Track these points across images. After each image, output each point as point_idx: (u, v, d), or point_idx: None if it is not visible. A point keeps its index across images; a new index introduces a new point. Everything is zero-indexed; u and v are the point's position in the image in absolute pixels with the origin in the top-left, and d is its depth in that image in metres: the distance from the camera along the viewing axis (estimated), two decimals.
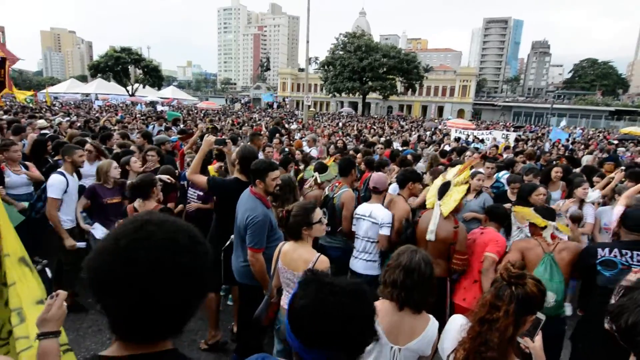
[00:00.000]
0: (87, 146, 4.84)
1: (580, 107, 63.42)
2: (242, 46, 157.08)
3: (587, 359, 2.59)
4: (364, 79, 50.44)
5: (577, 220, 3.76)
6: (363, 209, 3.60)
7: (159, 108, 26.56)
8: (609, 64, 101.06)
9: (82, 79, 73.05)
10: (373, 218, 3.47)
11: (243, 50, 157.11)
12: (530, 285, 1.57)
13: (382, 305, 1.86)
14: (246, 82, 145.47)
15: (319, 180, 4.33)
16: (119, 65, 46.10)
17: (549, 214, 2.98)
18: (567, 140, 16.17)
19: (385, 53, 49.82)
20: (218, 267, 3.26)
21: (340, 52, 52.65)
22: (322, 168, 4.42)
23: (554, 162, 6.86)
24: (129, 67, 48.25)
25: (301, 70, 75.20)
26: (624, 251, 2.52)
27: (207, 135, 3.77)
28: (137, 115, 14.55)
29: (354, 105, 58.36)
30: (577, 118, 54.93)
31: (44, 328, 1.30)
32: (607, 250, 2.58)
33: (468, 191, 3.75)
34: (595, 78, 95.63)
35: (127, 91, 45.89)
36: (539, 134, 22.79)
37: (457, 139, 12.96)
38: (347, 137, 13.32)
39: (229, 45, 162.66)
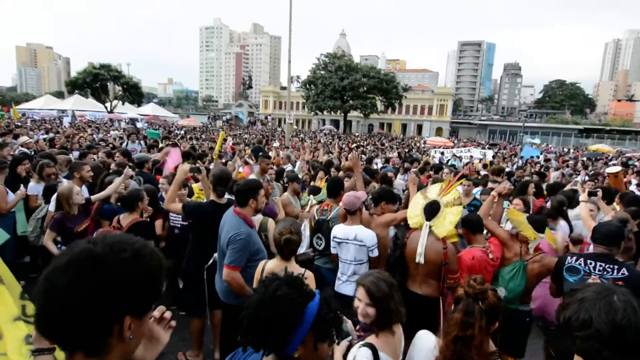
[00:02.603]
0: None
1: (551, 125, 66.45)
2: (224, 64, 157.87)
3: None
4: (345, 97, 51.46)
5: (577, 242, 3.73)
6: (344, 232, 3.45)
7: (139, 125, 26.20)
8: (576, 85, 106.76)
9: (59, 95, 71.42)
10: (359, 241, 3.37)
11: (225, 68, 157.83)
12: (491, 297, 1.68)
13: (382, 339, 1.84)
14: (228, 99, 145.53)
15: (313, 202, 4.35)
16: (97, 81, 45.35)
17: (540, 224, 3.18)
18: (538, 157, 16.88)
19: (365, 73, 51.17)
20: (202, 289, 3.24)
21: (322, 72, 53.71)
22: (315, 190, 4.52)
23: (527, 179, 7.15)
24: (108, 83, 47.56)
25: (283, 88, 75.97)
26: (589, 261, 2.74)
27: (181, 164, 3.83)
28: (113, 137, 14.29)
29: (335, 123, 59.19)
30: (549, 136, 57.37)
31: (39, 344, 1.30)
32: (574, 258, 2.82)
33: None
34: (564, 98, 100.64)
35: (106, 108, 45.11)
36: (513, 152, 23.68)
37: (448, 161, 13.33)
38: (330, 154, 13.51)
39: (211, 63, 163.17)
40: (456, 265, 3.14)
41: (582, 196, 4.35)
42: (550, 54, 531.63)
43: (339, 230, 3.50)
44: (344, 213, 3.70)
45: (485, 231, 3.44)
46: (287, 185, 5.52)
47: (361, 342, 1.77)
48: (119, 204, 3.67)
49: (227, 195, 3.53)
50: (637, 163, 19.05)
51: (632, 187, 8.58)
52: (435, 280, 3.14)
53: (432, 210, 3.20)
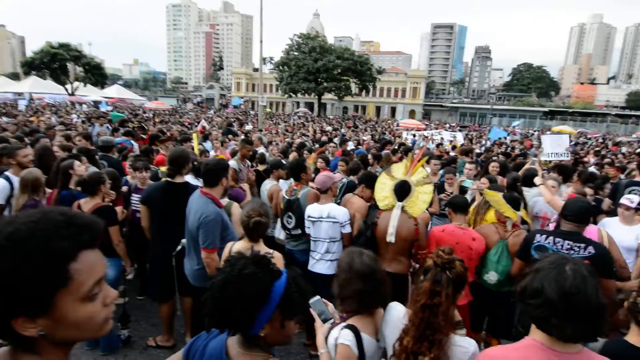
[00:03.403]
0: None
1: (518, 107, 68.82)
2: (194, 44, 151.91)
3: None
4: (319, 79, 50.89)
5: None
6: (317, 210, 3.51)
7: (102, 108, 24.92)
8: (542, 69, 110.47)
9: (14, 76, 66.69)
10: (332, 218, 3.43)
11: (194, 48, 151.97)
12: (458, 267, 1.74)
13: (364, 319, 1.85)
14: (198, 81, 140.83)
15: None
16: (56, 62, 42.58)
17: (516, 202, 3.27)
18: (506, 138, 17.48)
19: (340, 55, 50.62)
20: (170, 274, 3.19)
21: (295, 53, 52.73)
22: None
23: (493, 158, 7.39)
24: (68, 64, 44.78)
25: (256, 70, 74.17)
26: (557, 239, 2.72)
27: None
28: (75, 121, 13.49)
29: (310, 105, 58.66)
30: (516, 118, 59.39)
31: None
32: (544, 237, 2.79)
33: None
34: (531, 81, 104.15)
35: (66, 90, 42.60)
36: (482, 134, 24.38)
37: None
38: (304, 137, 13.44)
39: (179, 43, 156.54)
40: (426, 241, 3.23)
41: (537, 179, 4.50)
42: (520, 37, 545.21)
43: (314, 210, 3.54)
44: (314, 194, 3.76)
45: (467, 214, 3.51)
46: (257, 168, 5.46)
47: (343, 324, 1.79)
48: (78, 188, 3.49)
49: (191, 179, 3.47)
50: (594, 143, 20.09)
51: (591, 168, 9.05)
52: (405, 257, 3.22)
53: (403, 190, 3.24)
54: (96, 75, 46.34)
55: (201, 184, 3.09)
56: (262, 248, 2.51)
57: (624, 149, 17.16)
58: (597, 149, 16.04)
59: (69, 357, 0.86)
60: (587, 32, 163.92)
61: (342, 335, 1.74)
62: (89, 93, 40.96)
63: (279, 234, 4.21)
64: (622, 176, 6.99)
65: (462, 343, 1.71)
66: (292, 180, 4.12)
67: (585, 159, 10.13)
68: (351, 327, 1.76)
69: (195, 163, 4.21)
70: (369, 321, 1.85)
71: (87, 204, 3.30)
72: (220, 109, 46.42)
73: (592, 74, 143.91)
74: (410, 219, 3.17)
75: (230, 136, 8.22)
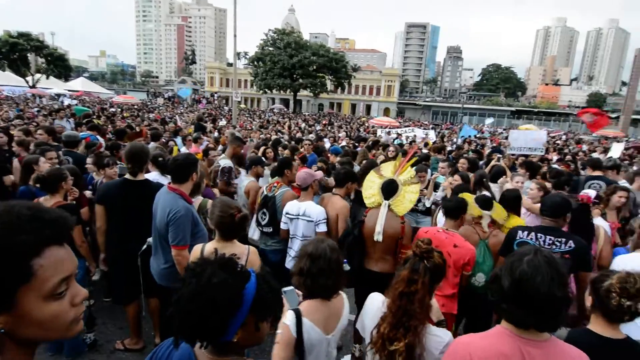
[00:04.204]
0: None
1: (488, 107, 71.27)
2: (165, 37, 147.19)
3: None
4: (295, 76, 50.58)
5: None
6: (295, 208, 3.49)
7: (66, 102, 23.70)
8: (510, 69, 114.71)
9: None
10: (307, 216, 3.41)
11: (165, 41, 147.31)
12: (436, 257, 1.79)
13: (311, 305, 1.88)
14: (170, 75, 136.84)
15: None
16: (15, 52, 40.08)
17: (486, 203, 3.30)
18: (476, 136, 18.03)
19: (315, 51, 50.50)
20: (136, 275, 3.08)
21: (270, 48, 52.17)
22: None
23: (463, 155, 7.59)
24: (29, 55, 42.29)
25: (230, 65, 72.81)
26: (539, 235, 2.79)
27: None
28: (42, 114, 12.68)
29: (285, 102, 58.29)
30: (485, 117, 61.48)
31: None
32: (525, 233, 2.85)
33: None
34: (500, 81, 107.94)
35: (27, 82, 40.27)
36: (453, 132, 25.04)
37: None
38: (280, 134, 13.32)
39: (149, 36, 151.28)
40: (410, 240, 3.20)
41: (501, 180, 4.64)
42: (490, 38, 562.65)
43: (292, 207, 3.52)
44: (291, 195, 3.74)
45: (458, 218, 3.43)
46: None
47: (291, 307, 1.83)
48: (37, 185, 3.29)
49: (157, 176, 3.35)
50: (559, 142, 21.10)
51: (554, 165, 9.46)
52: (391, 256, 3.20)
53: (390, 189, 3.25)
54: (59, 67, 44.05)
55: (166, 181, 3.00)
56: (238, 247, 2.43)
57: (584, 147, 18.09)
58: (560, 147, 16.82)
59: (33, 359, 0.82)
60: (552, 35, 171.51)
61: (286, 316, 1.78)
62: (52, 85, 38.88)
63: (253, 233, 4.15)
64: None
65: (438, 332, 1.76)
66: (269, 178, 4.06)
67: (549, 156, 10.59)
68: (295, 310, 1.81)
69: (160, 159, 4.06)
70: (318, 310, 1.87)
71: (46, 203, 3.10)
72: (192, 104, 45.26)
73: (556, 75, 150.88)
74: (396, 217, 3.17)
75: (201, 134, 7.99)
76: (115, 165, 4.07)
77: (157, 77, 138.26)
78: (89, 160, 4.54)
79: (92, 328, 3.43)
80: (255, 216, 4.09)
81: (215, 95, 58.97)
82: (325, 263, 1.85)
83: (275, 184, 3.93)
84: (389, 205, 3.19)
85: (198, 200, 3.53)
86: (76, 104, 21.29)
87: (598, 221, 3.56)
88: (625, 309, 1.63)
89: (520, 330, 1.32)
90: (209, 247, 2.45)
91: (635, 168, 8.43)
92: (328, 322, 1.90)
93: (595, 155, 11.52)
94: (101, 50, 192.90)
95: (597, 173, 5.10)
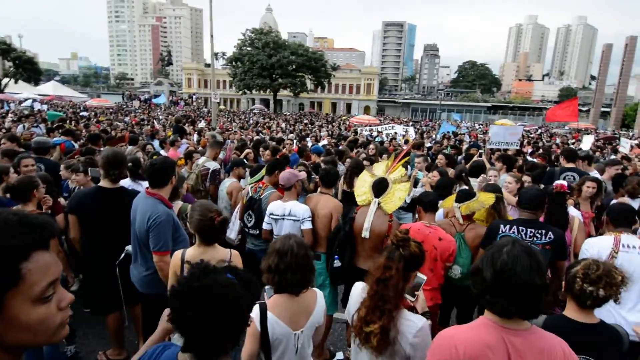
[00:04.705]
0: None
1: (465, 103, 72.87)
2: (139, 38, 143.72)
3: None
4: (274, 75, 50.30)
5: None
6: (279, 208, 3.49)
7: (37, 107, 22.77)
8: (485, 66, 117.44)
9: None
10: (293, 216, 3.42)
11: (140, 42, 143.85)
12: (413, 247, 1.86)
13: (278, 300, 1.92)
14: (146, 77, 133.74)
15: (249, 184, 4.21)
16: None
17: (461, 197, 3.36)
18: (454, 132, 18.39)
19: (294, 51, 50.35)
20: (115, 284, 2.99)
21: (248, 49, 51.67)
22: (255, 170, 4.46)
23: (443, 151, 7.74)
24: None
25: (207, 65, 71.78)
26: (520, 228, 2.87)
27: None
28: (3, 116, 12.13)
29: (265, 102, 57.93)
30: (463, 113, 62.85)
31: None
32: (508, 227, 2.93)
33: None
34: (475, 78, 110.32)
35: None
36: (432, 127, 25.49)
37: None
38: (260, 134, 13.22)
39: (122, 37, 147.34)
40: None
41: (480, 178, 4.76)
42: (465, 36, 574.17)
43: (277, 207, 3.52)
44: (277, 196, 3.74)
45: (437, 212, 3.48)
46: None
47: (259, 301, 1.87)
48: (7, 195, 3.16)
49: (129, 183, 3.26)
50: (533, 135, 21.77)
51: (529, 157, 9.75)
52: (379, 253, 3.15)
53: (380, 187, 3.31)
54: (28, 70, 42.37)
55: (138, 188, 2.93)
56: (219, 251, 2.40)
57: (557, 140, 18.74)
58: (534, 140, 17.36)
59: None
60: (524, 32, 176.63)
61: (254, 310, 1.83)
62: (22, 90, 37.33)
63: (230, 233, 4.11)
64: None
65: (411, 317, 1.83)
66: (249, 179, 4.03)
67: (524, 150, 10.92)
68: (260, 304, 1.86)
69: (130, 165, 3.93)
70: (285, 305, 1.90)
71: None
72: (170, 106, 44.35)
73: (529, 71, 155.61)
74: (385, 215, 3.23)
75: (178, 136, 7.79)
76: (86, 172, 3.93)
77: (132, 79, 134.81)
78: (62, 166, 4.39)
79: (72, 340, 3.33)
80: (235, 216, 4.06)
81: (194, 96, 57.98)
82: (293, 259, 1.88)
83: (261, 185, 3.91)
84: (378, 203, 3.24)
85: (178, 204, 3.48)
86: (47, 109, 20.53)
87: (571, 211, 3.70)
88: (587, 294, 1.71)
89: (504, 320, 1.36)
90: (190, 252, 2.41)
91: (604, 159, 8.79)
92: (296, 317, 1.91)
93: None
94: (72, 52, 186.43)
95: (571, 165, 5.29)
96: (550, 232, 2.81)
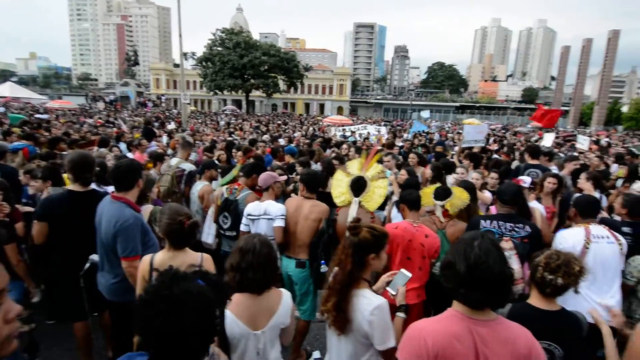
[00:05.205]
0: None
1: (434, 103, 74.85)
2: (103, 37, 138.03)
3: None
4: (246, 76, 49.70)
5: None
6: (257, 208, 3.46)
7: None
8: (453, 67, 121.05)
9: None
10: (268, 215, 3.40)
11: (104, 41, 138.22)
12: (364, 232, 1.95)
13: (238, 299, 1.91)
14: (111, 77, 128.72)
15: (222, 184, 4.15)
16: None
17: (440, 194, 3.42)
18: (425, 132, 18.87)
19: (266, 51, 49.97)
20: (79, 295, 2.87)
21: (219, 49, 50.79)
22: (226, 171, 4.43)
23: (413, 150, 7.93)
24: None
25: (176, 65, 69.94)
26: (500, 222, 2.98)
27: None
28: None
29: (237, 103, 57.12)
30: (433, 112, 64.47)
31: None
32: (488, 222, 3.03)
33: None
34: (444, 79, 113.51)
35: None
36: (404, 127, 26.01)
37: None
38: (232, 136, 13.03)
39: (85, 36, 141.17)
40: None
41: (452, 180, 4.91)
42: (434, 38, 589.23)
43: (254, 208, 3.49)
44: (254, 197, 3.71)
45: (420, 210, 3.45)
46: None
47: None
48: None
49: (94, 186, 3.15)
50: (498, 134, 22.65)
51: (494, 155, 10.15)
52: None
53: (359, 186, 3.30)
54: None
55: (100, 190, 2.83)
56: (190, 255, 2.34)
57: (522, 138, 19.58)
58: (499, 138, 18.07)
59: None
60: (489, 34, 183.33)
61: None
62: None
63: (207, 237, 4.03)
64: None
65: (368, 295, 1.89)
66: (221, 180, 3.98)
67: (491, 147, 11.35)
68: None
69: (98, 169, 3.80)
70: (245, 304, 1.91)
71: None
72: (137, 108, 42.86)
73: (494, 72, 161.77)
74: (367, 213, 3.22)
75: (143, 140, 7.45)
76: (45, 178, 3.73)
77: (96, 79, 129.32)
78: (22, 172, 4.16)
79: (34, 354, 3.17)
80: (210, 220, 3.99)
81: (162, 97, 56.34)
82: (254, 257, 1.89)
83: (236, 186, 3.86)
84: (359, 202, 3.23)
85: (148, 208, 3.37)
86: (5, 112, 19.36)
87: (533, 204, 3.90)
88: (547, 282, 1.81)
89: (471, 311, 1.41)
90: (159, 257, 2.33)
91: (564, 155, 9.28)
92: (256, 317, 1.90)
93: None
94: (31, 52, 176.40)
95: (535, 162, 5.55)
96: (527, 226, 2.95)
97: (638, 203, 3.08)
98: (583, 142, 12.24)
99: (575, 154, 9.71)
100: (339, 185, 3.45)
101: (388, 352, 1.83)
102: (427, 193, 3.48)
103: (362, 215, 3.18)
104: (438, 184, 3.79)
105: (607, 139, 20.34)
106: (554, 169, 5.66)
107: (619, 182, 5.85)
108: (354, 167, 3.53)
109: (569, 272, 1.80)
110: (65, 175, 3.86)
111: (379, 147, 6.72)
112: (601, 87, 60.80)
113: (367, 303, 1.85)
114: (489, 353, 1.37)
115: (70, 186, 2.99)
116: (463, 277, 1.37)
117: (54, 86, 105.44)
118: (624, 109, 63.88)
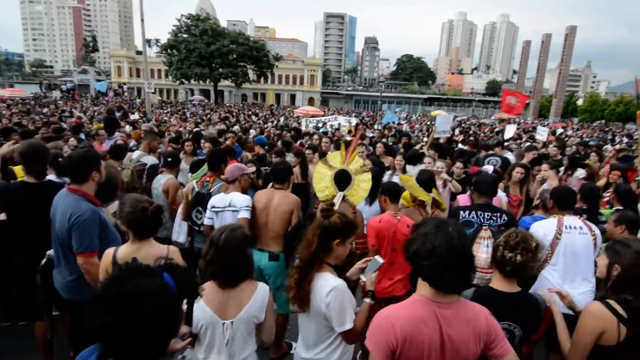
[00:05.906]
0: None
1: (404, 95, 76.24)
2: (58, 21, 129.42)
3: None
4: (214, 65, 48.23)
5: None
6: (221, 200, 3.37)
7: None
8: (421, 60, 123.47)
9: None
10: (233, 206, 3.33)
11: (59, 26, 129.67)
12: (334, 217, 1.99)
13: (209, 286, 1.93)
14: (67, 64, 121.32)
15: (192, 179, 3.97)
16: None
17: (428, 185, 3.45)
18: (395, 123, 19.19)
19: (234, 39, 48.61)
20: (34, 292, 2.72)
21: (185, 36, 48.85)
22: (196, 165, 4.25)
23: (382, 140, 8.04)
24: None
25: (139, 52, 66.91)
26: (479, 212, 3.05)
27: None
28: None
29: (205, 93, 55.49)
30: (402, 104, 65.64)
31: None
32: (467, 212, 3.08)
33: None
34: (413, 71, 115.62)
35: None
36: (374, 119, 26.33)
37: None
38: (199, 127, 12.67)
39: (38, 20, 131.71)
40: (362, 229, 3.22)
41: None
42: (403, 30, 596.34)
43: (219, 199, 3.40)
44: (227, 188, 3.60)
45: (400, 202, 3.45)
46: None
47: None
48: None
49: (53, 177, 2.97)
50: (464, 125, 23.43)
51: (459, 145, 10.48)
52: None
53: (343, 179, 3.19)
54: None
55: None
56: (155, 247, 2.25)
57: (486, 130, 20.37)
58: (465, 129, 18.70)
59: None
60: (455, 28, 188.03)
61: None
62: None
63: (178, 236, 3.90)
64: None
65: (327, 278, 1.93)
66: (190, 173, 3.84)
67: (456, 138, 11.72)
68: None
69: (60, 159, 3.60)
70: (215, 292, 1.91)
71: None
72: (97, 97, 40.73)
73: (460, 65, 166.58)
74: (349, 208, 3.16)
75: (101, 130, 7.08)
76: None
77: (51, 66, 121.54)
78: None
79: None
80: (179, 218, 3.86)
81: (124, 86, 53.80)
82: (222, 249, 1.90)
83: (208, 179, 3.73)
84: (344, 196, 3.14)
85: (115, 205, 3.20)
86: None
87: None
88: (507, 260, 1.89)
89: (436, 295, 1.47)
90: (123, 249, 2.24)
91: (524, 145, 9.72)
92: (225, 306, 1.91)
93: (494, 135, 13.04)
94: None
95: (491, 151, 5.88)
96: (504, 215, 3.06)
97: (567, 196, 3.04)
98: (542, 133, 12.86)
99: (535, 144, 10.20)
100: (321, 179, 3.31)
101: (346, 334, 1.90)
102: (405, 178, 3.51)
103: (344, 209, 3.07)
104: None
105: (562, 130, 21.58)
106: (510, 156, 5.99)
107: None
108: (335, 160, 3.40)
109: (527, 247, 1.88)
110: (16, 168, 3.62)
111: (359, 142, 6.70)
112: (559, 80, 64.14)
113: (325, 285, 1.89)
114: (452, 333, 1.44)
115: (25, 177, 2.81)
116: (448, 262, 1.40)
117: (5, 73, 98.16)
118: (579, 102, 67.85)
